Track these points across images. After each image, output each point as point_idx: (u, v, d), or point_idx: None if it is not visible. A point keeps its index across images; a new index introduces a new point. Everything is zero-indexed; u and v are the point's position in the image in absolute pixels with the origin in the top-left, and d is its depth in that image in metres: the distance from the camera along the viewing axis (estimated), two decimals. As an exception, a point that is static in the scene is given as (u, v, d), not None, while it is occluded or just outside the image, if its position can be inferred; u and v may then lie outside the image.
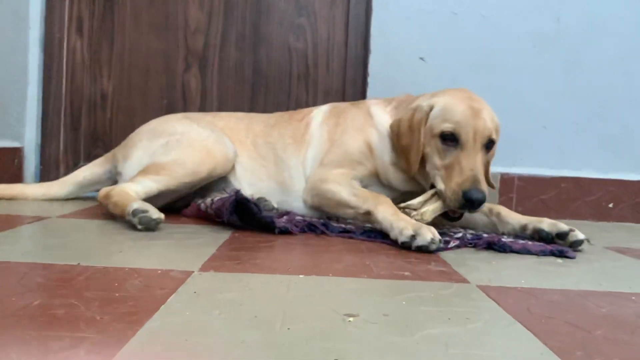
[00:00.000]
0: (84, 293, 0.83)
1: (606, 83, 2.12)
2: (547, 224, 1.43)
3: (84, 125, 2.19)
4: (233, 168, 1.69)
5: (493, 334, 0.74)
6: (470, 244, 1.37)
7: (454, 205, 1.39)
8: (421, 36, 2.09)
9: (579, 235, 1.39)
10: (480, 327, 0.76)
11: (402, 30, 2.09)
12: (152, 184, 1.50)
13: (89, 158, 2.16)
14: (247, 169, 1.71)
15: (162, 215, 1.36)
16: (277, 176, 1.69)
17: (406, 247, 1.28)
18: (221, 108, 2.18)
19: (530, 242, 1.37)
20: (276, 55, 2.19)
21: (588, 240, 1.41)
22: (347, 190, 1.51)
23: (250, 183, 1.69)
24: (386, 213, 1.38)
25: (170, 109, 2.17)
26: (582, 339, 0.74)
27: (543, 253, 1.32)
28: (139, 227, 1.33)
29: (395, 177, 1.60)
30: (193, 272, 0.99)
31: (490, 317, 0.81)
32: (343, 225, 1.49)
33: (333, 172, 1.57)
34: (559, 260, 1.27)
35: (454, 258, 1.23)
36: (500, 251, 1.32)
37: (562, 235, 1.40)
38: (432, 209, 1.41)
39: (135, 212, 1.34)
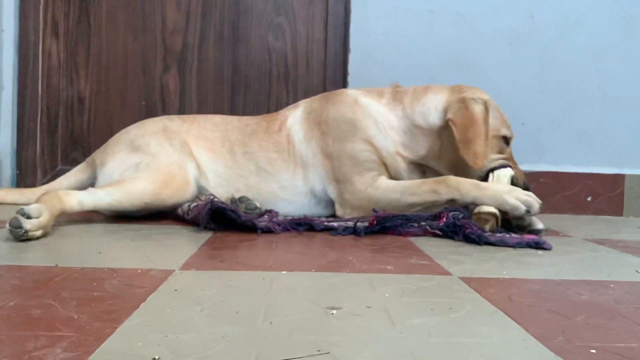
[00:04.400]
0: (61, 293, 0.81)
1: (580, 79, 2.15)
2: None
3: (61, 128, 2.15)
4: (206, 177, 1.67)
5: (475, 322, 0.75)
6: (449, 235, 1.39)
7: None
8: (398, 34, 2.10)
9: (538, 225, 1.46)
10: (463, 317, 0.77)
11: (380, 28, 2.10)
12: (104, 197, 1.45)
13: (67, 162, 2.13)
14: (223, 177, 1.68)
15: (36, 232, 1.21)
16: (261, 187, 1.66)
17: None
18: (201, 109, 2.16)
19: (507, 235, 1.38)
20: (255, 55, 2.18)
21: (545, 231, 1.48)
22: (396, 194, 1.53)
23: (226, 191, 1.66)
24: (475, 192, 1.44)
25: (149, 111, 2.14)
26: (563, 325, 0.74)
27: (519, 245, 1.33)
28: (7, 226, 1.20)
29: (403, 166, 1.62)
30: (174, 270, 0.97)
31: (472, 307, 0.82)
32: (325, 223, 1.49)
33: (357, 185, 1.57)
34: (539, 252, 1.29)
35: (436, 252, 1.23)
36: (475, 242, 1.33)
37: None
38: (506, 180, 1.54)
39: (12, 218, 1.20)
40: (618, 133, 2.16)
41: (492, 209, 1.42)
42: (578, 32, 2.13)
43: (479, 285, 0.94)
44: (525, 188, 1.52)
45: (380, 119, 1.63)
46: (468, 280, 0.97)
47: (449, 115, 1.56)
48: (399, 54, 2.11)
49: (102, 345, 0.61)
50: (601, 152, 2.15)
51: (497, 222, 1.43)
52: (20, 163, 2.11)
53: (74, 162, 1.85)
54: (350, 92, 1.71)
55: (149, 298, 0.80)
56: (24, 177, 2.11)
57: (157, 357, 0.58)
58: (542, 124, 2.15)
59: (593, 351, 0.65)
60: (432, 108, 1.62)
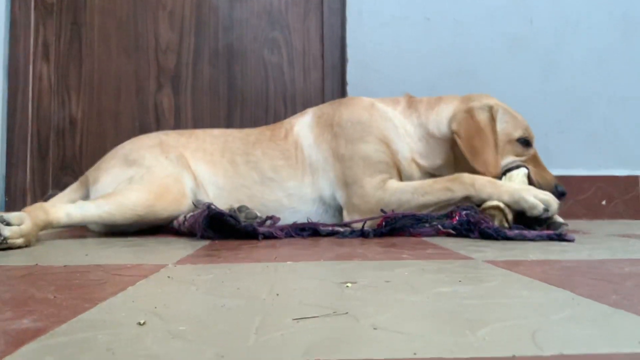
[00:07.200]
0: (38, 282, 0.71)
1: (584, 82, 2.10)
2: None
3: (52, 153, 2.08)
4: (204, 190, 1.59)
5: (512, 288, 0.65)
6: (463, 234, 1.30)
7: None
8: (396, 43, 2.06)
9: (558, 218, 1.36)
10: (496, 285, 0.67)
11: (376, 37, 2.06)
12: (94, 210, 1.36)
13: (59, 187, 2.04)
14: (223, 189, 1.60)
15: (17, 240, 1.13)
16: (265, 196, 1.58)
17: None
18: (196, 126, 2.09)
19: (525, 231, 1.29)
20: (251, 70, 2.13)
21: (566, 225, 1.36)
22: (407, 195, 1.43)
23: (226, 203, 1.57)
24: (491, 188, 1.36)
25: (143, 132, 2.06)
26: (612, 288, 0.65)
27: (540, 238, 1.23)
28: None
29: (417, 175, 1.56)
30: (167, 264, 0.88)
31: (504, 279, 0.72)
32: (330, 228, 1.40)
33: (367, 188, 1.48)
34: (563, 244, 1.19)
35: (453, 245, 1.14)
36: (492, 238, 1.24)
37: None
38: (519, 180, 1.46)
39: None
40: (628, 134, 2.09)
41: (497, 203, 1.33)
42: (578, 35, 2.10)
43: (507, 265, 0.85)
44: (561, 193, 1.45)
45: (398, 124, 1.58)
46: (493, 262, 0.88)
47: (453, 127, 1.52)
48: (398, 62, 2.06)
49: (79, 316, 0.52)
50: (612, 154, 2.08)
51: (505, 217, 1.34)
52: (9, 189, 2.03)
53: (65, 188, 1.76)
54: (365, 98, 1.66)
55: (138, 282, 0.71)
56: (14, 203, 2.02)
57: (142, 322, 0.49)
58: (548, 128, 2.08)
59: (657, 304, 0.55)
60: (444, 118, 1.57)
